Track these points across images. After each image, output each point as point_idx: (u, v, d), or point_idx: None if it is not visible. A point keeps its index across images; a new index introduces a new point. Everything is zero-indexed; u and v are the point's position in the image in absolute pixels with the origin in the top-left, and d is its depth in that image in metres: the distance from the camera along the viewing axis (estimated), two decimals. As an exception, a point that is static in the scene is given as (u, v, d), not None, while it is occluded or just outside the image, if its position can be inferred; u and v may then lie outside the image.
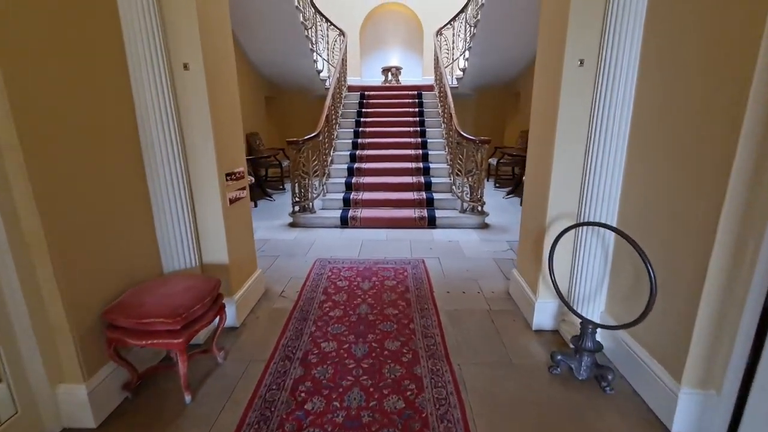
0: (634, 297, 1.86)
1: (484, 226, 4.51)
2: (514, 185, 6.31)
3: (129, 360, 1.75)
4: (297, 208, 4.63)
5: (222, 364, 2.02)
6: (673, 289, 1.58)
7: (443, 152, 5.72)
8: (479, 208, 4.54)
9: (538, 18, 2.37)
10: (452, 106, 5.09)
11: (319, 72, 7.21)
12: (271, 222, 4.76)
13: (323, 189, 4.97)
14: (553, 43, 2.12)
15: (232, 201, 2.35)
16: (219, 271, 2.29)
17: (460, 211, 4.62)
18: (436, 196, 4.88)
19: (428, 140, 5.97)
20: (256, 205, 5.62)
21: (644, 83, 1.80)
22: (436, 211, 4.65)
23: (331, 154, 5.69)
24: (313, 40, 6.82)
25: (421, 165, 5.41)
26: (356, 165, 5.47)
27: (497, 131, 8.57)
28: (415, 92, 7.02)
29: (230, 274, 2.33)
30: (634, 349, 1.81)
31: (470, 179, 4.53)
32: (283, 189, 6.84)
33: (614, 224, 2.01)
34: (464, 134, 4.51)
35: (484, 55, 6.75)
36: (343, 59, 6.74)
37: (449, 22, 7.16)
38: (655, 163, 1.70)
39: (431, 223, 4.49)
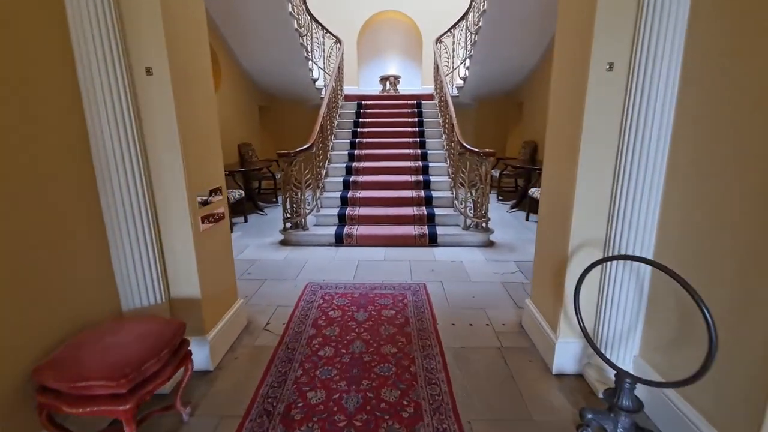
0: (680, 344, 1.55)
1: (489, 243, 4.21)
2: (518, 198, 6.03)
3: (67, 427, 1.43)
4: (288, 225, 4.32)
5: (187, 422, 1.70)
6: (738, 339, 1.28)
7: (444, 164, 5.44)
8: (484, 225, 4.24)
9: (544, 24, 2.10)
10: (454, 115, 4.83)
11: (314, 81, 6.97)
12: (261, 240, 4.45)
13: (317, 204, 4.67)
14: (575, 45, 1.84)
15: (206, 223, 2.04)
16: (190, 307, 1.98)
17: (463, 228, 4.33)
18: (437, 211, 4.58)
19: (428, 151, 5.69)
20: (246, 220, 5.31)
21: (690, 86, 1.52)
22: (437, 227, 4.35)
23: (326, 166, 5.40)
24: (309, 48, 6.58)
25: (421, 178, 5.13)
26: (352, 178, 5.18)
27: (499, 141, 8.32)
28: (414, 101, 6.77)
29: (203, 309, 2.01)
30: (684, 411, 1.49)
31: (474, 193, 4.24)
32: (276, 202, 6.55)
33: (650, 255, 1.72)
34: (467, 145, 4.23)
35: (486, 64, 6.52)
36: (339, 67, 6.50)
37: (449, 30, 6.95)
38: (708, 183, 1.41)
39: (432, 240, 4.19)
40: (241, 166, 6.33)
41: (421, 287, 3.09)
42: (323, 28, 6.94)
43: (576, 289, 1.70)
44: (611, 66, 1.68)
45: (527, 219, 5.26)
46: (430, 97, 7.07)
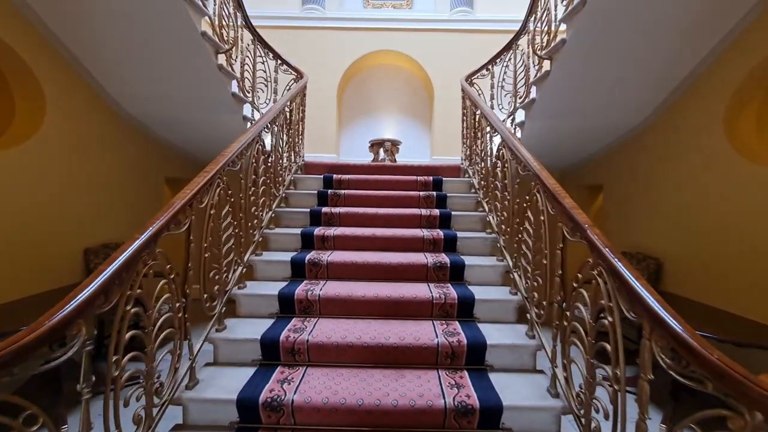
0: None
1: None
2: (669, 392, 2.70)
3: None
4: None
5: None
6: None
7: (520, 325, 2.20)
8: None
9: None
10: (575, 211, 1.69)
11: (254, 139, 4.01)
12: None
13: None
14: None
15: None
16: None
17: None
18: None
19: (476, 294, 2.44)
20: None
21: None
22: None
23: (201, 344, 2.10)
24: (245, 83, 3.71)
25: (465, 380, 1.84)
26: (284, 372, 1.88)
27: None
28: (430, 179, 3.72)
29: None
30: None
31: None
32: (137, 380, 3.03)
33: None
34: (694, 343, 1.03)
35: (556, 117, 3.67)
36: (288, 109, 3.55)
37: (487, 64, 4.20)
38: None
39: None
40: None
41: None
42: (276, 56, 4.15)
43: None
44: None
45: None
46: (455, 171, 4.07)
